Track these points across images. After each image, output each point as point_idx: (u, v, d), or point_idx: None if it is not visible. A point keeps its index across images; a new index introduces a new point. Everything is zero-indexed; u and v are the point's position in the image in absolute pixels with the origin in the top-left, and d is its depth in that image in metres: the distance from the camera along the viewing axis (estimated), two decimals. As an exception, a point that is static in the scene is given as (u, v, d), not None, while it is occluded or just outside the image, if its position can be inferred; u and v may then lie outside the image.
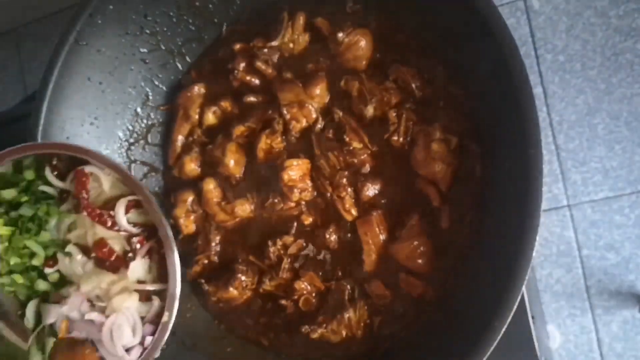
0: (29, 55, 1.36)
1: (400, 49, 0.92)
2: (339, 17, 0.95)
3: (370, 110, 0.90)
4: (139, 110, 1.02)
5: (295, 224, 0.93)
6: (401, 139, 0.88)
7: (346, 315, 0.88)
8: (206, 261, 0.97)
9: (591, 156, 1.09)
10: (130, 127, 1.01)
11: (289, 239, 0.92)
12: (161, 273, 0.84)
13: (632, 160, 1.08)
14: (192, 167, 0.99)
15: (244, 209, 0.94)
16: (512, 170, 0.76)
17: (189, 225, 0.98)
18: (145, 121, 1.03)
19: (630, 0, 1.08)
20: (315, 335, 0.88)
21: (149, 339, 0.81)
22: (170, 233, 0.80)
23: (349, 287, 0.90)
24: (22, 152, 0.79)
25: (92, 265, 0.83)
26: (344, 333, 0.88)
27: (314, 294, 0.91)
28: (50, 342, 0.81)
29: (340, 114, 0.91)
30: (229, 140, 0.95)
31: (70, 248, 0.82)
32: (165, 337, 0.80)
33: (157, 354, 0.79)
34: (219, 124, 0.99)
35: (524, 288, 0.71)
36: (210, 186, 0.95)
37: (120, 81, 0.98)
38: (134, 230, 0.83)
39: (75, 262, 0.82)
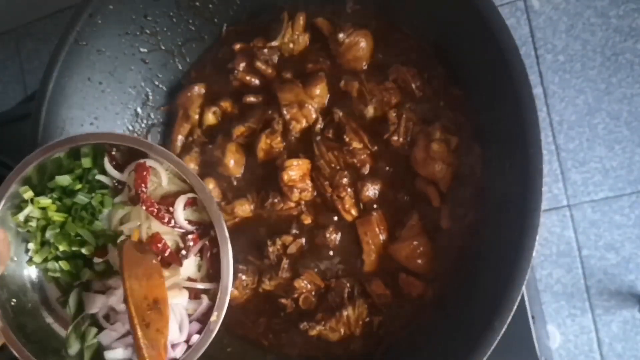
0: (29, 55, 1.36)
1: (400, 49, 0.92)
2: (339, 17, 0.95)
3: (370, 111, 0.91)
4: (139, 110, 1.02)
5: (295, 224, 0.93)
6: (401, 139, 0.88)
7: (345, 313, 0.88)
8: (206, 261, 0.97)
9: (591, 156, 1.09)
10: (130, 127, 1.01)
11: (288, 238, 0.92)
12: (211, 272, 0.83)
13: (632, 160, 1.08)
14: (191, 166, 0.99)
15: (244, 209, 0.94)
16: (512, 170, 0.76)
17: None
18: (145, 121, 1.03)
19: (630, 0, 1.08)
20: (313, 332, 0.88)
21: (195, 337, 0.79)
22: (226, 233, 0.79)
23: (348, 285, 0.90)
24: (84, 140, 0.78)
25: None
26: (342, 331, 0.88)
27: (313, 293, 0.91)
28: (91, 331, 0.79)
29: (340, 114, 0.91)
30: (229, 140, 0.95)
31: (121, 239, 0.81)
32: (212, 337, 0.78)
33: (200, 354, 0.77)
34: (219, 124, 0.99)
35: (524, 288, 0.71)
36: (210, 186, 0.95)
37: (120, 81, 0.98)
38: (190, 227, 0.82)
39: None
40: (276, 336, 0.94)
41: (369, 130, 0.90)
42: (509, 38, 0.74)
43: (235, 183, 0.96)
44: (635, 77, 1.08)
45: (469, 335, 0.74)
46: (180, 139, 1.01)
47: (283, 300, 0.92)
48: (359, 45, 0.91)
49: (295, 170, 0.90)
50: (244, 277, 0.93)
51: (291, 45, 0.96)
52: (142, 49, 0.98)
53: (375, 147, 0.90)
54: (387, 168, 0.90)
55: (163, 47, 1.00)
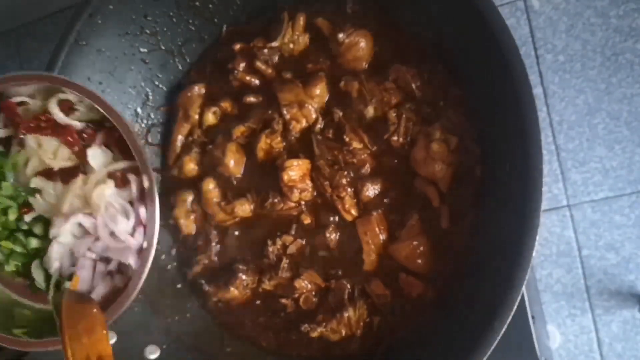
0: (29, 55, 1.36)
1: (400, 49, 0.92)
2: (339, 17, 0.95)
3: (370, 111, 0.91)
4: (139, 110, 1.02)
5: (295, 224, 0.93)
6: (401, 139, 0.88)
7: (346, 315, 0.88)
8: (206, 261, 0.97)
9: (591, 156, 1.09)
10: (130, 127, 1.01)
11: (288, 238, 0.92)
12: (122, 156, 0.83)
13: (632, 160, 1.08)
14: (191, 167, 0.99)
15: (244, 209, 0.94)
16: (512, 170, 0.76)
17: (189, 225, 0.98)
18: (145, 121, 1.03)
19: (630, 0, 1.08)
20: (314, 334, 0.88)
21: (143, 212, 0.80)
22: (124, 119, 0.78)
23: (348, 286, 0.90)
24: None
25: (61, 185, 0.82)
26: (343, 332, 0.88)
27: (314, 293, 0.91)
28: (64, 281, 0.81)
29: (340, 114, 0.91)
30: (229, 140, 0.95)
31: (34, 182, 0.82)
32: (156, 201, 0.78)
33: (158, 218, 0.78)
34: (219, 124, 0.99)
35: (524, 288, 0.71)
36: (210, 186, 0.95)
37: (120, 81, 0.98)
38: (79, 124, 0.81)
39: (47, 194, 0.82)
40: (276, 336, 0.94)
41: (369, 130, 0.90)
42: (509, 38, 0.74)
43: (235, 183, 0.96)
44: (635, 77, 1.08)
45: (469, 335, 0.74)
46: (180, 139, 1.01)
47: (283, 300, 0.92)
48: (359, 46, 0.91)
49: (295, 170, 0.90)
50: (244, 277, 0.93)
51: (291, 45, 0.96)
52: (142, 49, 0.98)
53: (375, 147, 0.90)
54: (387, 168, 0.90)
55: (163, 47, 1.00)
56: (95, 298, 0.79)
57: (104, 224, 0.80)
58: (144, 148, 0.80)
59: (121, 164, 0.82)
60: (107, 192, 0.80)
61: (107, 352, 0.69)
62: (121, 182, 0.82)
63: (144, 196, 0.80)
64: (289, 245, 0.92)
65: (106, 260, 0.82)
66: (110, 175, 0.82)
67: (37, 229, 0.83)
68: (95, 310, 0.74)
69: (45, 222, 0.83)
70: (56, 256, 0.81)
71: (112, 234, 0.80)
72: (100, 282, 0.81)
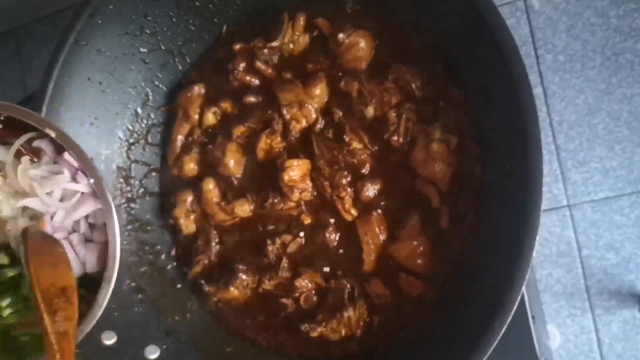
0: (29, 55, 1.36)
1: (400, 49, 0.92)
2: (339, 17, 0.95)
3: (370, 111, 0.91)
4: (139, 110, 1.02)
5: (295, 224, 0.93)
6: (401, 139, 0.88)
7: (346, 314, 0.88)
8: (206, 261, 0.97)
9: (591, 156, 1.09)
10: (131, 127, 1.01)
11: (287, 237, 0.92)
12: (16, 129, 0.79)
13: (632, 160, 1.08)
14: (191, 167, 0.99)
15: (244, 209, 0.94)
16: (512, 170, 0.76)
17: (189, 225, 0.98)
18: (145, 121, 1.03)
19: (630, 0, 1.08)
20: (315, 334, 0.88)
21: (69, 158, 0.77)
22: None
23: (348, 286, 0.90)
24: None
25: None
26: (343, 332, 0.89)
27: (314, 292, 0.91)
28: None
29: (340, 114, 0.91)
30: (229, 140, 0.95)
31: None
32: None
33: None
34: (219, 124, 1.00)
35: (524, 288, 0.71)
36: (210, 186, 0.95)
37: (120, 81, 0.98)
38: None
39: None
40: (276, 336, 0.94)
41: (369, 130, 0.90)
42: (509, 38, 0.74)
43: (235, 183, 0.96)
44: (635, 77, 1.08)
45: (469, 335, 0.74)
46: (180, 139, 1.01)
47: (284, 300, 0.92)
48: (359, 46, 0.91)
49: (296, 170, 0.90)
50: (244, 277, 0.93)
51: (291, 45, 0.96)
52: (142, 49, 0.98)
53: (375, 147, 0.90)
54: (387, 168, 0.90)
55: (163, 47, 1.00)
56: (91, 268, 0.78)
57: (45, 194, 0.77)
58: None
59: (23, 138, 0.78)
60: (31, 172, 0.77)
61: (71, 284, 0.69)
62: (33, 154, 0.79)
63: (62, 148, 0.77)
64: (289, 244, 0.92)
65: (74, 228, 0.80)
66: (19, 154, 0.78)
67: (1, 259, 0.78)
68: (60, 249, 0.74)
69: (3, 247, 0.79)
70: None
71: (60, 196, 0.77)
72: (85, 251, 0.78)
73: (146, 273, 0.99)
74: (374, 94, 0.90)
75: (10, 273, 0.77)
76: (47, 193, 0.77)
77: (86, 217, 0.80)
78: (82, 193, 0.78)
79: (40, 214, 0.78)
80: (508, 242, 0.73)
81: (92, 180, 0.77)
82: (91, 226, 0.81)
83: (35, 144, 0.79)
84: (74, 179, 0.78)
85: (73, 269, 0.76)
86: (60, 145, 0.77)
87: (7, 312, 0.76)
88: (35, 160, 0.79)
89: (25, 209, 0.79)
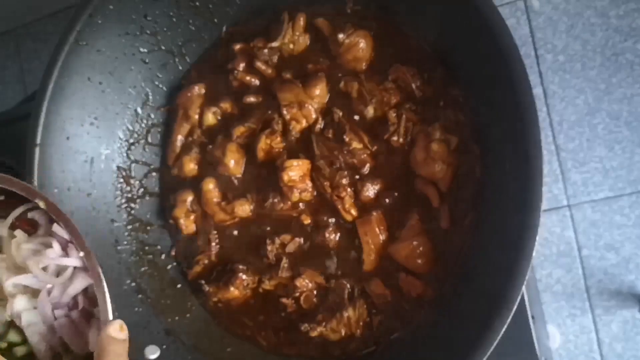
0: (29, 55, 1.36)
1: (400, 49, 0.92)
2: (339, 17, 0.95)
3: (370, 111, 0.91)
4: (139, 110, 1.02)
5: (294, 224, 0.93)
6: (401, 139, 0.88)
7: (345, 314, 0.88)
8: (206, 261, 0.97)
9: (591, 156, 1.09)
10: (131, 127, 1.01)
11: (286, 237, 0.92)
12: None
13: (632, 160, 1.08)
14: (191, 167, 0.99)
15: (244, 209, 0.94)
16: (512, 170, 0.76)
17: (189, 225, 0.98)
18: (145, 121, 1.03)
19: (630, 0, 1.08)
20: (314, 334, 0.88)
21: (60, 230, 0.73)
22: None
23: (348, 286, 0.90)
24: None
25: None
26: (343, 332, 0.89)
27: (314, 292, 0.91)
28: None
29: (340, 114, 0.91)
30: (229, 141, 0.95)
31: None
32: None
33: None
34: (219, 124, 1.00)
35: (524, 288, 0.71)
36: (210, 186, 0.95)
37: (120, 81, 0.98)
38: None
39: None
40: (276, 336, 0.94)
41: (368, 130, 0.90)
42: (509, 38, 0.74)
43: (235, 183, 0.96)
44: (635, 77, 1.08)
45: (469, 335, 0.74)
46: (180, 139, 1.01)
47: (284, 300, 0.92)
48: (359, 46, 0.91)
49: (295, 170, 0.90)
50: (244, 277, 0.93)
51: (291, 45, 0.96)
52: (142, 49, 0.98)
53: (375, 147, 0.90)
54: (387, 168, 0.90)
55: (163, 47, 1.00)
56: (94, 345, 0.73)
57: (39, 269, 0.73)
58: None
59: (17, 211, 0.75)
60: (24, 246, 0.73)
61: None
62: (28, 225, 0.76)
63: (52, 219, 0.73)
64: (288, 244, 0.92)
65: (74, 304, 0.75)
66: (14, 226, 0.75)
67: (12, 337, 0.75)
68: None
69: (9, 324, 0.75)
70: (37, 339, 0.73)
71: (55, 271, 0.74)
72: (89, 328, 0.75)
73: (146, 273, 0.99)
74: (373, 94, 0.90)
75: (21, 351, 0.75)
76: (43, 268, 0.73)
77: (85, 291, 0.76)
78: (75, 267, 0.74)
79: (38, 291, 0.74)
80: (508, 242, 0.73)
81: (81, 254, 0.72)
82: (92, 301, 0.76)
83: (30, 215, 0.75)
84: (65, 252, 0.74)
85: (76, 346, 0.73)
86: (52, 219, 0.73)
87: None
88: (29, 233, 0.76)
89: (25, 285, 0.75)
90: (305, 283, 0.91)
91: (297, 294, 0.91)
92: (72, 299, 0.75)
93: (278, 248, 0.92)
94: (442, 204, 0.86)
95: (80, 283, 0.74)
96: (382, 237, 0.88)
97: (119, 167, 1.00)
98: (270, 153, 0.94)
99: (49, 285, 0.74)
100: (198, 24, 1.01)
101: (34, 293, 0.76)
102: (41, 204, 0.72)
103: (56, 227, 0.73)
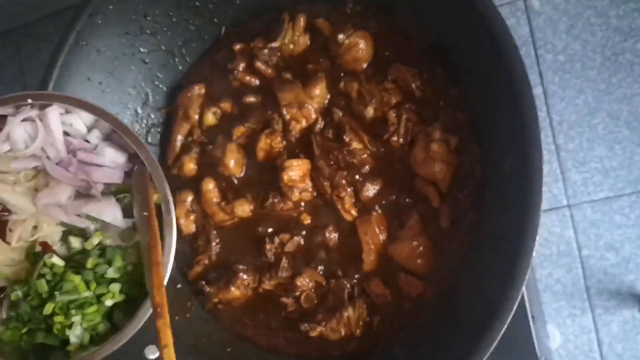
0: (29, 55, 1.36)
1: (400, 50, 0.92)
2: (339, 18, 0.95)
3: (370, 111, 0.91)
4: (139, 110, 1.02)
5: (294, 224, 0.93)
6: (401, 140, 0.88)
7: (345, 314, 0.88)
8: (207, 261, 0.97)
9: (591, 156, 1.09)
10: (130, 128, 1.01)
11: (285, 237, 0.92)
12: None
13: (632, 160, 1.08)
14: (191, 167, 0.99)
15: (244, 209, 0.94)
16: (512, 170, 0.76)
17: (189, 225, 0.98)
18: (145, 121, 1.03)
19: (630, 0, 1.08)
20: (314, 333, 0.88)
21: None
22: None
23: (348, 285, 0.90)
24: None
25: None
26: (342, 331, 0.88)
27: (314, 290, 0.91)
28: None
29: (340, 114, 0.91)
30: (229, 141, 0.95)
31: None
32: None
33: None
34: (219, 124, 0.99)
35: (524, 288, 0.71)
36: (210, 186, 0.95)
37: (120, 81, 0.98)
38: None
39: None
40: (276, 336, 0.94)
41: (369, 130, 0.90)
42: (509, 38, 0.74)
43: (235, 183, 0.96)
44: (635, 77, 1.08)
45: (469, 335, 0.74)
46: (180, 139, 1.01)
47: (284, 299, 0.92)
48: (359, 47, 0.91)
49: (295, 170, 0.90)
50: (244, 277, 0.93)
51: (291, 46, 0.96)
52: (142, 49, 0.98)
53: (375, 148, 0.90)
54: (387, 168, 0.90)
55: (163, 47, 1.00)
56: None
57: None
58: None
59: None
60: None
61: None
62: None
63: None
64: (287, 244, 0.92)
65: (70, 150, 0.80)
66: None
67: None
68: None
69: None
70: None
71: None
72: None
73: (146, 273, 0.98)
74: (373, 94, 0.90)
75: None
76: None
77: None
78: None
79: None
80: (508, 242, 0.73)
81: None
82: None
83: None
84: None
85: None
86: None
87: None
88: None
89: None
90: (305, 282, 0.91)
91: (298, 293, 0.91)
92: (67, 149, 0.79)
93: (277, 247, 0.92)
94: (442, 204, 0.86)
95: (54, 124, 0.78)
96: (382, 237, 0.88)
97: (119, 167, 1.00)
98: (270, 153, 0.94)
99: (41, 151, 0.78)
100: (198, 24, 1.01)
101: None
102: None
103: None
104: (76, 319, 0.77)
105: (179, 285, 1.00)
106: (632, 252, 1.08)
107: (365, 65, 0.93)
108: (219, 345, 0.96)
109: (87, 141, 0.82)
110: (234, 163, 0.95)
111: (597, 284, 1.09)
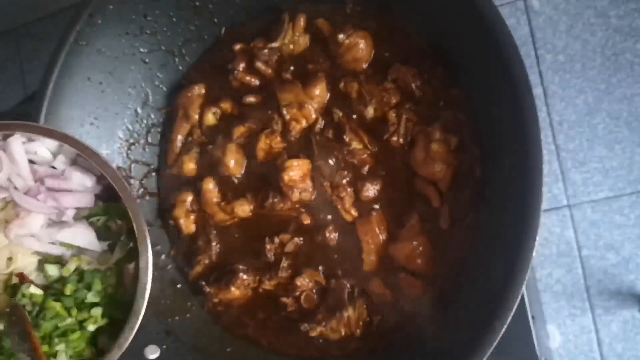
0: (29, 55, 1.36)
1: (400, 50, 0.92)
2: (339, 18, 0.95)
3: (370, 111, 0.91)
4: (139, 110, 1.02)
5: (294, 223, 0.93)
6: (401, 140, 0.88)
7: (345, 314, 0.88)
8: (207, 261, 0.97)
9: (591, 156, 1.09)
10: (130, 127, 1.01)
11: (285, 237, 0.92)
12: None
13: (632, 160, 1.08)
14: (191, 166, 0.99)
15: (244, 209, 0.94)
16: (512, 170, 0.76)
17: (189, 225, 0.98)
18: (145, 121, 1.03)
19: (630, 0, 1.08)
20: (314, 333, 0.88)
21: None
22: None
23: (348, 285, 0.90)
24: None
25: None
26: (342, 331, 0.88)
27: (314, 290, 0.91)
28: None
29: (340, 114, 0.91)
30: (229, 141, 0.95)
31: None
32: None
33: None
34: (219, 124, 0.99)
35: (524, 288, 0.71)
36: (210, 186, 0.95)
37: (120, 81, 0.98)
38: None
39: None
40: (276, 336, 0.94)
41: (369, 130, 0.90)
42: (509, 38, 0.74)
43: (235, 183, 0.96)
44: (635, 77, 1.08)
45: (469, 335, 0.74)
46: (179, 138, 1.01)
47: (284, 299, 0.92)
48: (359, 47, 0.91)
49: (296, 170, 0.90)
50: (245, 277, 0.93)
51: (291, 46, 0.96)
52: (142, 49, 0.98)
53: (375, 148, 0.90)
54: (387, 168, 0.90)
55: (163, 47, 1.00)
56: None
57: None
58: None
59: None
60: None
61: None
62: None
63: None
64: (287, 244, 0.92)
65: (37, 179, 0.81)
66: None
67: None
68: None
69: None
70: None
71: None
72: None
73: (146, 273, 0.98)
74: (373, 94, 0.90)
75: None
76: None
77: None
78: None
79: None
80: (508, 242, 0.73)
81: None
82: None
83: None
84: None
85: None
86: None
87: None
88: None
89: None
90: (305, 282, 0.91)
91: (298, 293, 0.91)
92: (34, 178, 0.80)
93: (277, 247, 0.92)
94: (442, 204, 0.86)
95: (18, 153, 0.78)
96: (382, 237, 0.88)
97: (119, 167, 1.00)
98: (270, 153, 0.94)
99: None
100: (198, 24, 1.01)
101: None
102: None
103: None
104: (60, 347, 0.76)
105: (179, 285, 1.00)
106: (632, 252, 1.08)
107: (365, 65, 0.93)
108: (219, 345, 0.96)
109: (54, 167, 0.82)
110: (234, 163, 0.95)
111: (597, 284, 1.09)
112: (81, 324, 0.78)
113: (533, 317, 0.88)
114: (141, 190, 1.02)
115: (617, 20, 1.09)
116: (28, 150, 0.80)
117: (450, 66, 0.89)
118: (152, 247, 1.00)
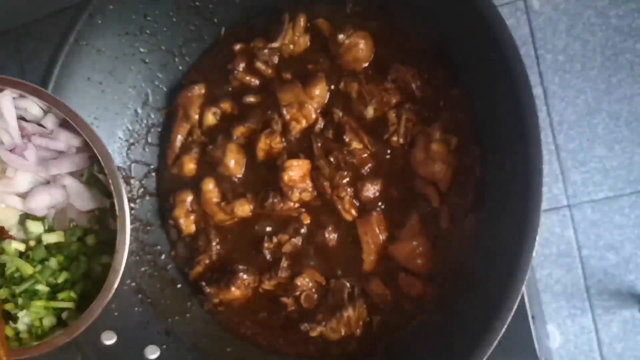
0: (29, 55, 1.36)
1: (400, 49, 0.92)
2: (339, 18, 0.95)
3: (370, 111, 0.91)
4: (139, 110, 1.02)
5: (294, 223, 0.93)
6: (401, 140, 0.88)
7: (345, 314, 0.88)
8: (207, 261, 0.97)
9: (591, 156, 1.09)
10: (130, 127, 1.01)
11: (284, 236, 0.92)
12: None
13: (632, 160, 1.08)
14: (191, 167, 0.99)
15: (244, 209, 0.94)
16: (512, 170, 0.76)
17: (189, 225, 0.98)
18: (145, 121, 1.03)
19: (630, 0, 1.08)
20: (314, 333, 0.88)
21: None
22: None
23: (348, 285, 0.90)
24: None
25: None
26: (343, 331, 0.89)
27: (314, 290, 0.91)
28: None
29: (340, 114, 0.91)
30: (229, 141, 0.95)
31: None
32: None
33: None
34: (219, 124, 0.99)
35: (524, 288, 0.71)
36: (210, 186, 0.95)
37: (120, 81, 0.98)
38: None
39: None
40: (276, 336, 0.94)
41: (369, 130, 0.90)
42: (509, 38, 0.74)
43: (235, 183, 0.96)
44: (635, 77, 1.08)
45: (469, 335, 0.74)
46: (179, 138, 1.01)
47: (284, 299, 0.92)
48: (359, 47, 0.91)
49: (296, 170, 0.90)
50: (245, 277, 0.93)
51: (291, 46, 0.96)
52: (142, 49, 0.98)
53: (375, 148, 0.90)
54: (387, 168, 0.90)
55: (163, 47, 1.00)
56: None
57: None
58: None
59: None
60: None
61: None
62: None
63: None
64: (284, 244, 0.92)
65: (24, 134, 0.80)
66: None
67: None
68: None
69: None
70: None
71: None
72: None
73: (146, 273, 0.99)
74: (373, 94, 0.90)
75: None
76: None
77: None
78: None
79: None
80: (508, 242, 0.73)
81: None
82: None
83: None
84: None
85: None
86: None
87: None
88: None
89: None
90: (305, 282, 0.91)
91: (298, 293, 0.91)
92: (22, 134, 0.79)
93: (275, 246, 0.92)
94: (442, 204, 0.86)
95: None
96: (382, 237, 0.88)
97: (119, 167, 1.00)
98: (270, 153, 0.94)
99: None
100: (198, 24, 1.00)
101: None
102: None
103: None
104: (22, 312, 0.77)
105: (179, 285, 1.00)
106: (632, 252, 1.08)
107: (365, 65, 0.93)
108: (219, 345, 0.96)
109: (43, 126, 0.81)
110: (234, 163, 0.95)
111: (597, 284, 1.09)
112: (53, 294, 0.78)
113: (533, 317, 0.88)
114: (141, 190, 1.02)
115: (617, 20, 1.09)
116: (18, 106, 0.80)
117: (450, 66, 0.89)
118: (152, 247, 1.01)
